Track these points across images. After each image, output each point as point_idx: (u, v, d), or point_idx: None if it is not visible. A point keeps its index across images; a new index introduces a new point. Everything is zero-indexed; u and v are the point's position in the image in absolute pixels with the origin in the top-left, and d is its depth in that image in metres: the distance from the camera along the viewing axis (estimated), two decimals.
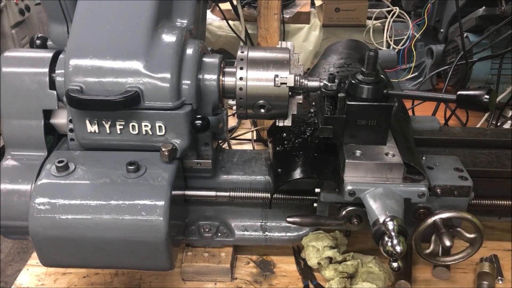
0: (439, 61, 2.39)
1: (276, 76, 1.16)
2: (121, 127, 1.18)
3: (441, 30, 2.46)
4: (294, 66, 1.19)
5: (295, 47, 1.25)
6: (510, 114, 2.19)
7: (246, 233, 1.43)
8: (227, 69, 1.24)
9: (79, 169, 1.18)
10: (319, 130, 1.16)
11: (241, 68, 1.18)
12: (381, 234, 1.03)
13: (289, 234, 1.42)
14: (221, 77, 1.22)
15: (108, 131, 1.18)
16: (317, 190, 1.23)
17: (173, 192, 1.16)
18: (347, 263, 1.34)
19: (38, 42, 1.40)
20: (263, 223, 1.43)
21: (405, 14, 2.67)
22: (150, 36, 1.17)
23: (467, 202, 1.23)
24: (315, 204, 1.30)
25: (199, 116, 1.18)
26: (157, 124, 1.17)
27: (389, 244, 1.00)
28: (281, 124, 1.23)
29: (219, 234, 1.43)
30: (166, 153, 1.16)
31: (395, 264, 1.04)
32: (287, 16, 2.66)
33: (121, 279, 1.42)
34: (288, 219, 1.23)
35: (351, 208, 1.21)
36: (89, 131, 1.19)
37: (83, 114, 1.17)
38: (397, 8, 2.66)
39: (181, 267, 1.40)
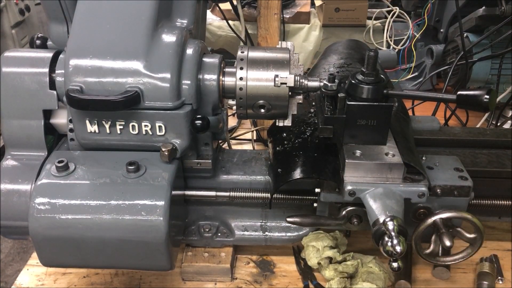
0: (439, 61, 2.39)
1: (276, 76, 1.16)
2: (121, 127, 1.18)
3: (441, 30, 2.46)
4: (294, 66, 1.19)
5: (295, 47, 1.25)
6: (510, 114, 2.19)
7: (246, 233, 1.43)
8: (227, 69, 1.24)
9: (79, 169, 1.18)
10: (319, 130, 1.16)
11: (241, 68, 1.18)
12: (381, 234, 1.03)
13: (289, 234, 1.42)
14: (221, 77, 1.22)
15: (108, 131, 1.18)
16: (317, 190, 1.23)
17: (173, 192, 1.16)
18: (347, 263, 1.34)
19: (38, 42, 1.40)
20: (263, 223, 1.43)
21: (405, 14, 2.67)
22: (150, 36, 1.17)
23: (467, 202, 1.23)
24: (315, 204, 1.30)
25: (199, 116, 1.18)
26: (157, 124, 1.17)
27: (389, 244, 1.00)
28: (281, 124, 1.23)
29: (219, 234, 1.43)
30: (166, 153, 1.16)
31: (395, 264, 1.04)
32: (287, 16, 2.66)
33: (121, 279, 1.42)
34: (288, 219, 1.23)
35: (351, 208, 1.21)
36: (89, 131, 1.19)
37: (83, 114, 1.17)
38: (397, 8, 2.66)
39: (181, 267, 1.40)
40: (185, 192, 1.35)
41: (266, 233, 1.42)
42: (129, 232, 1.11)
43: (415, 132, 1.39)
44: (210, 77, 1.22)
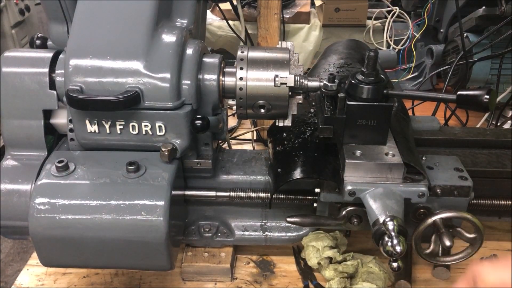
0: (439, 61, 2.39)
1: (276, 76, 1.16)
2: (121, 127, 1.18)
3: (441, 30, 2.46)
4: (294, 66, 1.19)
5: (295, 47, 1.25)
6: (510, 114, 2.19)
7: (246, 233, 1.43)
8: (227, 69, 1.24)
9: (79, 169, 1.18)
10: (319, 130, 1.15)
11: (241, 68, 1.18)
12: (381, 234, 1.03)
13: (289, 234, 1.42)
14: (221, 77, 1.22)
15: (108, 131, 1.18)
16: (317, 190, 1.23)
17: (173, 192, 1.16)
18: (347, 263, 1.34)
19: (38, 42, 1.40)
20: (263, 223, 1.43)
21: (405, 14, 2.67)
22: (150, 36, 1.17)
23: (467, 202, 1.23)
24: (315, 204, 1.30)
25: (199, 116, 1.18)
26: (157, 124, 1.17)
27: (389, 244, 1.00)
28: (281, 124, 1.23)
29: (219, 234, 1.42)
30: (166, 153, 1.16)
31: (395, 264, 1.04)
32: (287, 16, 2.66)
33: (121, 279, 1.42)
34: (288, 219, 1.23)
35: (351, 208, 1.21)
36: (89, 131, 1.19)
37: (83, 114, 1.17)
38: (397, 8, 2.66)
39: (181, 267, 1.40)
40: (185, 192, 1.35)
41: (266, 233, 1.42)
42: (129, 232, 1.11)
43: (415, 132, 1.39)
44: (210, 77, 1.22)
